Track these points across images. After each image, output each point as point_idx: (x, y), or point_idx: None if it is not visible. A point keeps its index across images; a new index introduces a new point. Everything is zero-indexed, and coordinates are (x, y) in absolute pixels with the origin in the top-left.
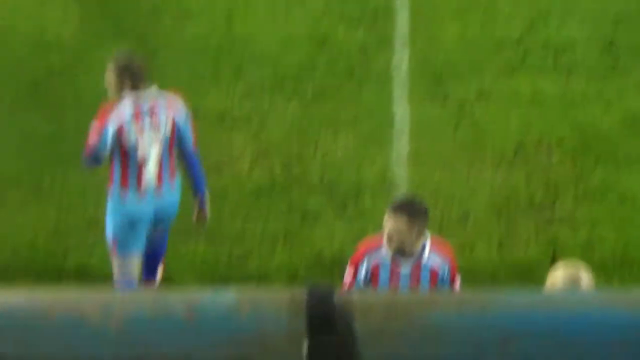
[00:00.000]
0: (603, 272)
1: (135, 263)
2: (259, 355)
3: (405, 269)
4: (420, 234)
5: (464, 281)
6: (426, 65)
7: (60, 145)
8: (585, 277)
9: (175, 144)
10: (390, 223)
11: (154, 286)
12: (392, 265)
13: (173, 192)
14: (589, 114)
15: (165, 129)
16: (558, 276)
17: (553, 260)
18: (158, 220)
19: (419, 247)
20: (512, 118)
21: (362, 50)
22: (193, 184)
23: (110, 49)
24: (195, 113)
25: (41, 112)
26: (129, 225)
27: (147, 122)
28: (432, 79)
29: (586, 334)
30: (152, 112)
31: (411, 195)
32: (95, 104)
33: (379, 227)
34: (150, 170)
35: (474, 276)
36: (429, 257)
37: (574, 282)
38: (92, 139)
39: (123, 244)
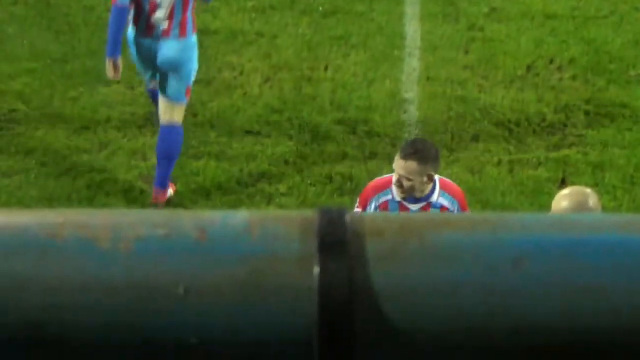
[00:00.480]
0: (613, 194)
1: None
2: (270, 277)
3: (414, 208)
4: (431, 179)
5: (475, 200)
6: None
7: (71, 65)
8: (593, 201)
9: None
10: (399, 167)
11: (164, 197)
12: (401, 205)
13: (179, 42)
14: (601, 34)
15: None
16: (564, 199)
17: (563, 182)
18: (160, 64)
19: (428, 191)
20: (523, 37)
21: None
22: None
23: None
24: (206, 32)
25: (52, 31)
26: (135, 58)
27: None
28: None
29: (599, 256)
30: None
31: (421, 140)
32: (106, 22)
33: (389, 147)
34: (160, 15)
35: (484, 196)
36: (438, 198)
37: (581, 206)
38: None
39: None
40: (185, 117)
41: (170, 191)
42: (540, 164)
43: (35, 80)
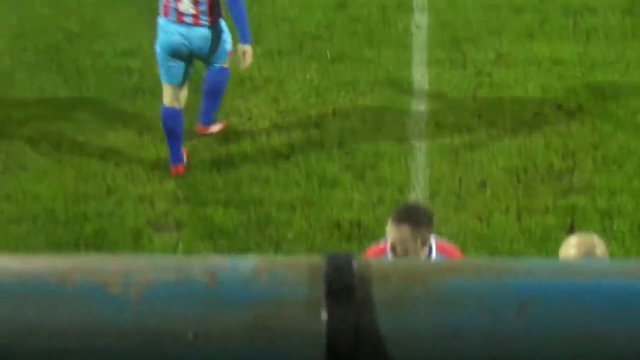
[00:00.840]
0: (621, 242)
1: (170, 91)
2: (278, 321)
3: None
4: (425, 242)
5: (482, 248)
6: (445, 29)
7: (80, 110)
8: (600, 248)
9: None
10: (393, 232)
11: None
12: None
13: (208, 28)
14: (608, 79)
15: None
16: (572, 246)
17: (571, 229)
18: (193, 51)
19: (424, 254)
20: (530, 83)
21: (381, 13)
22: (238, 31)
23: (128, 14)
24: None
25: (61, 76)
26: (165, 52)
27: None
28: (450, 43)
29: (605, 302)
30: None
31: (414, 203)
32: (114, 69)
33: (396, 193)
34: (188, 3)
35: (492, 243)
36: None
37: (588, 253)
38: None
39: (162, 71)
40: (193, 162)
41: (217, 126)
42: (548, 210)
43: (43, 125)
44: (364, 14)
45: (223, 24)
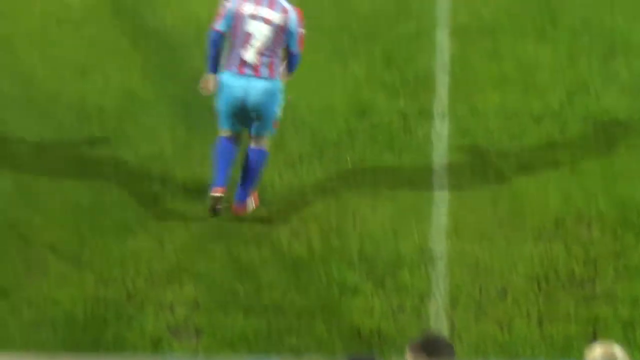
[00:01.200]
0: None
1: (227, 134)
2: None
3: None
4: None
5: (503, 355)
6: (466, 136)
7: (101, 216)
8: (622, 359)
9: (282, 40)
10: None
11: (244, 209)
12: None
13: (268, 81)
14: (629, 189)
15: (276, 22)
16: (594, 356)
17: (594, 338)
18: (250, 104)
19: None
20: (551, 191)
21: (402, 120)
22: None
23: (152, 118)
24: (234, 183)
25: (83, 182)
26: (224, 101)
27: (263, 11)
28: (471, 150)
29: None
30: (270, 4)
31: (432, 335)
32: (136, 175)
33: (417, 301)
34: (252, 53)
35: (512, 350)
36: None
37: None
38: (218, 18)
39: (220, 118)
40: (214, 268)
41: (253, 203)
42: (569, 318)
43: (65, 231)
44: (384, 121)
45: (281, 85)
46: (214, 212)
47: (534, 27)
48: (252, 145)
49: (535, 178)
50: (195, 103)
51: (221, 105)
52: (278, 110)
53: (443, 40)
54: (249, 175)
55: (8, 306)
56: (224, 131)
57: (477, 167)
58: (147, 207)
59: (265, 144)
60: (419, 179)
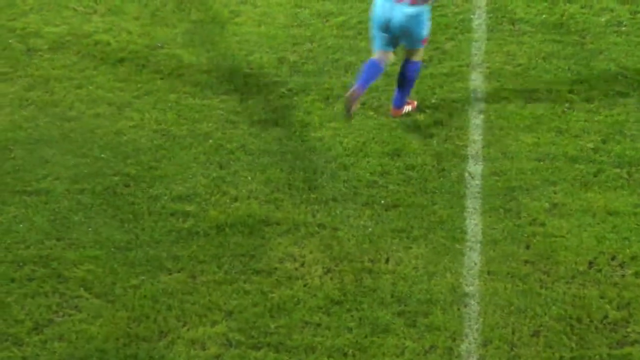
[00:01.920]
0: None
1: (378, 54)
2: None
3: None
4: None
5: None
6: (499, 178)
7: (134, 253)
8: None
9: None
10: None
11: (400, 112)
12: None
13: (412, 7)
14: None
15: None
16: None
17: None
18: (394, 27)
19: None
20: (585, 233)
21: (435, 161)
22: None
23: (186, 156)
24: (268, 223)
25: (116, 219)
26: (373, 23)
27: None
28: (504, 192)
29: None
30: None
31: None
32: (169, 212)
33: (449, 341)
34: None
35: None
36: None
37: None
38: None
39: (372, 40)
40: (245, 305)
41: (409, 107)
42: None
43: (97, 267)
44: (418, 162)
45: (427, 9)
46: (347, 113)
47: (568, 69)
48: (407, 57)
49: (568, 220)
50: (227, 143)
51: (372, 27)
52: (425, 32)
53: (478, 81)
54: (404, 84)
55: (40, 341)
56: (375, 53)
57: (510, 208)
58: (180, 245)
59: (419, 56)
60: (452, 220)
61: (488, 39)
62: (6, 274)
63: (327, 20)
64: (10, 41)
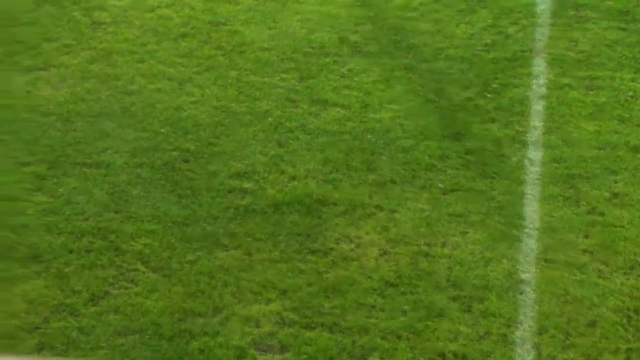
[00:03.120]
0: None
1: None
2: None
3: None
4: None
5: None
6: (559, 165)
7: (191, 228)
8: None
9: None
10: None
11: None
12: None
13: None
14: None
15: None
16: None
17: None
18: None
19: None
20: None
21: (496, 146)
22: None
23: (245, 133)
24: (325, 203)
25: (174, 194)
26: None
27: None
28: (564, 180)
29: None
30: None
31: None
32: (227, 189)
33: (503, 328)
34: None
35: None
36: None
37: None
38: None
39: None
40: (300, 285)
41: None
42: None
43: (155, 241)
44: (478, 146)
45: None
46: None
47: (632, 58)
48: None
49: (629, 210)
50: (286, 121)
51: None
52: None
53: (540, 67)
54: None
55: (96, 313)
56: None
57: (569, 196)
58: (237, 222)
59: None
60: (510, 206)
61: (552, 25)
62: (65, 244)
63: (389, 1)
64: (74, 14)
